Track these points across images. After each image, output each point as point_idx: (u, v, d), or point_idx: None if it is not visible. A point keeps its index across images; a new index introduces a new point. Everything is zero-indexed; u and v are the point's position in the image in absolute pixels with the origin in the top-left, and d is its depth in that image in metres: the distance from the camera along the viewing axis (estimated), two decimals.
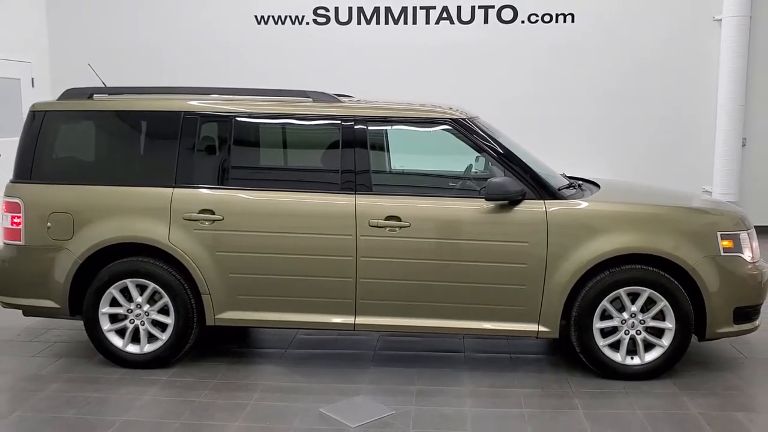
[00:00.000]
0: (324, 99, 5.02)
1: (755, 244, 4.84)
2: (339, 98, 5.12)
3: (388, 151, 5.40)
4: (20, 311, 5.22)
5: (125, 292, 4.88)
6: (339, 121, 4.83)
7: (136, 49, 10.39)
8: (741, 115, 9.76)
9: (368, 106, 4.98)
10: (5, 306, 5.13)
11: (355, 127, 4.80)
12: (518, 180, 4.67)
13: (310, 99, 5.02)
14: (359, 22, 10.20)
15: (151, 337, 4.91)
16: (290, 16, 10.28)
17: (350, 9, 10.19)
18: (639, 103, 10.05)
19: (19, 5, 10.05)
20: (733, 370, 4.96)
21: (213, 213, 4.75)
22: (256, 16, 10.32)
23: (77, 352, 5.27)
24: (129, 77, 5.83)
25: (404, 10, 10.12)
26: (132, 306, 4.87)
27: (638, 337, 4.70)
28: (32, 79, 10.20)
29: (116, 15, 10.51)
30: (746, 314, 4.76)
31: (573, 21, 10.02)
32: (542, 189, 4.72)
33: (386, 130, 5.02)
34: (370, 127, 4.84)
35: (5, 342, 5.52)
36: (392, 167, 5.52)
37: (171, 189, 4.81)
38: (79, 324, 5.71)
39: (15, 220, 4.92)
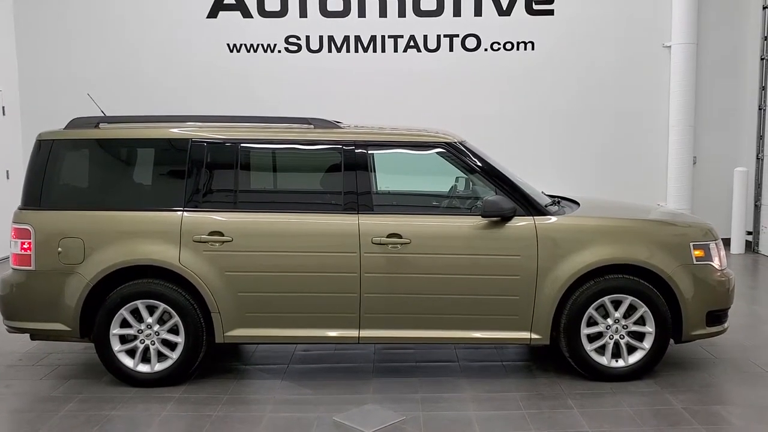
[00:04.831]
0: (324, 125, 5.32)
1: (722, 253, 5.30)
2: (338, 124, 5.43)
3: (386, 173, 5.72)
4: (18, 336, 5.37)
5: (135, 313, 5.04)
6: (340, 146, 5.14)
7: (107, 77, 10.51)
8: (691, 135, 10.44)
9: (368, 131, 5.31)
10: (12, 330, 5.22)
11: (356, 151, 5.11)
12: (509, 198, 5.04)
13: (312, 125, 5.31)
14: (330, 50, 10.56)
15: (161, 356, 5.08)
16: (262, 45, 10.56)
17: (321, 38, 10.54)
18: (596, 125, 10.67)
19: None
20: (706, 370, 5.40)
21: (222, 234, 4.98)
22: (228, 45, 10.57)
23: (84, 373, 5.39)
24: (101, 104, 6.02)
25: (373, 38, 10.53)
26: (142, 326, 5.04)
27: (622, 341, 5.08)
28: (3, 107, 10.22)
29: (87, 43, 10.63)
30: (717, 317, 5.21)
31: (533, 49, 10.59)
32: (531, 206, 5.10)
33: (385, 153, 5.32)
34: (370, 151, 5.15)
35: (9, 367, 5.60)
36: (390, 189, 5.83)
37: (181, 212, 5.02)
38: (80, 347, 5.88)
39: (24, 246, 5.05)
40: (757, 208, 10.57)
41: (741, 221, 10.40)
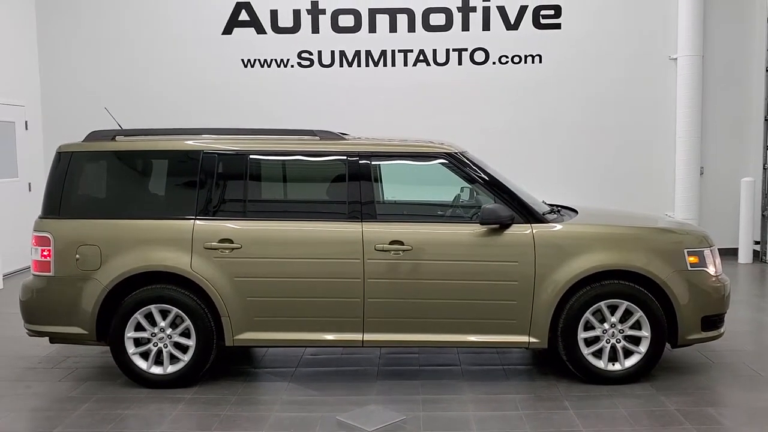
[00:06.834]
0: (330, 137, 5.54)
1: (717, 260, 5.43)
2: (343, 136, 5.65)
3: (390, 182, 5.92)
4: (38, 339, 5.60)
5: (149, 317, 5.27)
6: (345, 157, 5.35)
7: (125, 91, 10.83)
8: (698, 146, 10.55)
9: (371, 142, 5.52)
10: (32, 334, 5.46)
11: (360, 161, 5.32)
12: (508, 206, 5.22)
13: (317, 137, 5.54)
14: (341, 65, 10.82)
15: (173, 359, 5.30)
16: (275, 60, 10.84)
17: (332, 53, 10.80)
18: (603, 136, 10.82)
19: (12, 49, 10.44)
20: (703, 373, 5.53)
21: (232, 242, 5.20)
22: (242, 60, 10.86)
23: (100, 376, 5.62)
24: (119, 118, 6.30)
25: (383, 53, 10.77)
26: (156, 330, 5.26)
27: (618, 345, 5.23)
28: (26, 122, 10.55)
29: (105, 59, 10.96)
30: (712, 322, 5.34)
31: (540, 61, 10.77)
32: (529, 214, 5.27)
33: (389, 164, 5.54)
34: (373, 162, 5.36)
35: (29, 369, 5.84)
36: (393, 198, 6.03)
37: (192, 221, 5.25)
38: (97, 350, 6.12)
39: (44, 253, 5.30)
40: (764, 217, 10.65)
41: (748, 231, 10.47)
